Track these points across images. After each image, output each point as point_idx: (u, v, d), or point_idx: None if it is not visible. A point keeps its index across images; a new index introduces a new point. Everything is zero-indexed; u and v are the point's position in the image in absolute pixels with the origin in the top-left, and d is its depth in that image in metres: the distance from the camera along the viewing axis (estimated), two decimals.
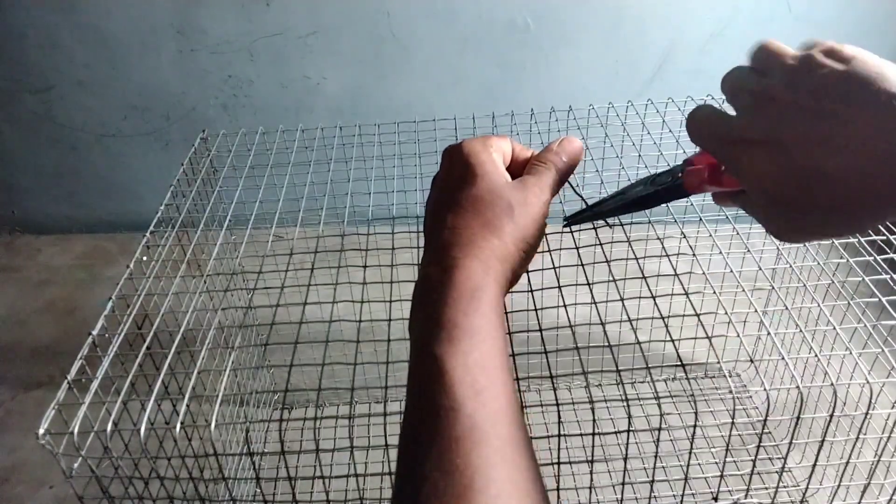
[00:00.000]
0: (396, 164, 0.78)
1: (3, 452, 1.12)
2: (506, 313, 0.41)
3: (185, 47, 1.53)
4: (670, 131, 0.81)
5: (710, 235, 0.62)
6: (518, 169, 0.42)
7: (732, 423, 0.53)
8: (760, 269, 0.62)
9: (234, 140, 0.86)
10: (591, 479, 0.53)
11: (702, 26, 1.53)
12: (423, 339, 0.32)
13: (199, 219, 0.73)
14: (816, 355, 0.54)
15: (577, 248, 0.56)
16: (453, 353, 0.30)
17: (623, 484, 0.54)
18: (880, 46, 1.58)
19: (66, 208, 1.76)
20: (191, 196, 0.77)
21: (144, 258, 0.65)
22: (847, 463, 0.58)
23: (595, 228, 0.49)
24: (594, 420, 0.46)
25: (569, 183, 0.44)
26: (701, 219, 0.65)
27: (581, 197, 0.53)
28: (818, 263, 0.63)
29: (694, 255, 0.59)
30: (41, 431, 0.46)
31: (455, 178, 0.39)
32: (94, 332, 0.56)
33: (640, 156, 0.76)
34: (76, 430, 0.47)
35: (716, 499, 0.55)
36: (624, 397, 0.47)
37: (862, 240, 0.68)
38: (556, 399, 0.47)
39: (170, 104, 1.61)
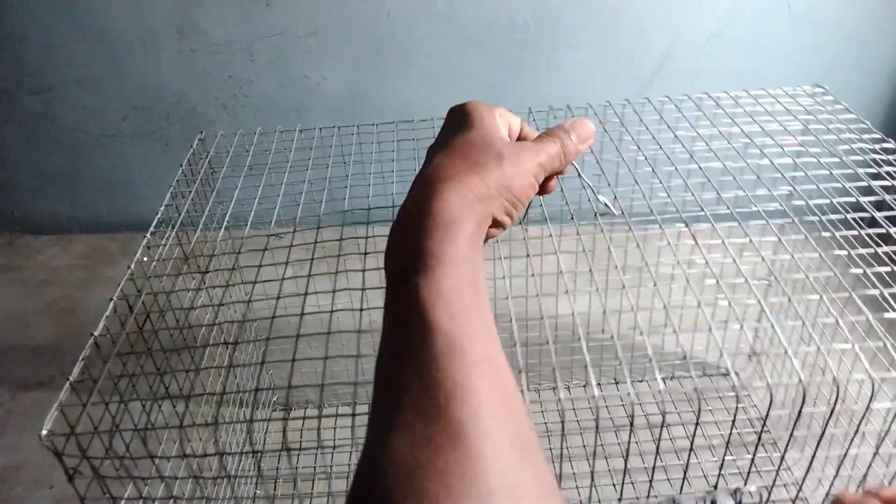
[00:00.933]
0: (395, 158, 0.78)
1: (3, 452, 1.12)
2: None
3: (185, 47, 1.53)
4: (668, 127, 0.81)
5: (715, 228, 0.62)
6: None
7: (733, 421, 0.53)
8: (764, 259, 0.62)
9: (232, 140, 0.86)
10: (592, 479, 0.53)
11: (702, 26, 1.54)
12: (398, 268, 0.32)
13: (198, 219, 0.73)
14: (819, 348, 0.54)
15: (579, 236, 0.56)
16: (428, 279, 0.30)
17: (623, 483, 0.54)
18: (880, 46, 1.58)
19: (66, 208, 1.76)
20: (190, 197, 0.77)
21: (145, 258, 0.65)
22: (845, 455, 0.58)
23: (598, 222, 0.49)
24: (597, 419, 0.46)
25: (575, 167, 0.44)
26: (708, 218, 0.65)
27: (586, 183, 0.53)
28: (819, 255, 0.63)
29: (695, 241, 0.59)
30: (44, 432, 0.46)
31: (450, 128, 0.39)
32: (96, 333, 0.56)
33: (638, 148, 0.76)
34: (78, 431, 0.47)
35: (715, 486, 0.55)
36: (629, 394, 0.47)
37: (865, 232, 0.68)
38: (559, 397, 0.47)
39: (170, 104, 1.61)
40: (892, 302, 0.60)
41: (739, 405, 1.01)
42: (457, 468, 0.24)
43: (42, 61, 1.55)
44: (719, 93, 0.87)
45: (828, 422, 0.52)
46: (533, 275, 0.56)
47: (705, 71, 1.56)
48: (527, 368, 0.82)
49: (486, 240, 0.37)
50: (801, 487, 0.61)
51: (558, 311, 0.54)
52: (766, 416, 0.50)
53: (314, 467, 0.92)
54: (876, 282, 0.60)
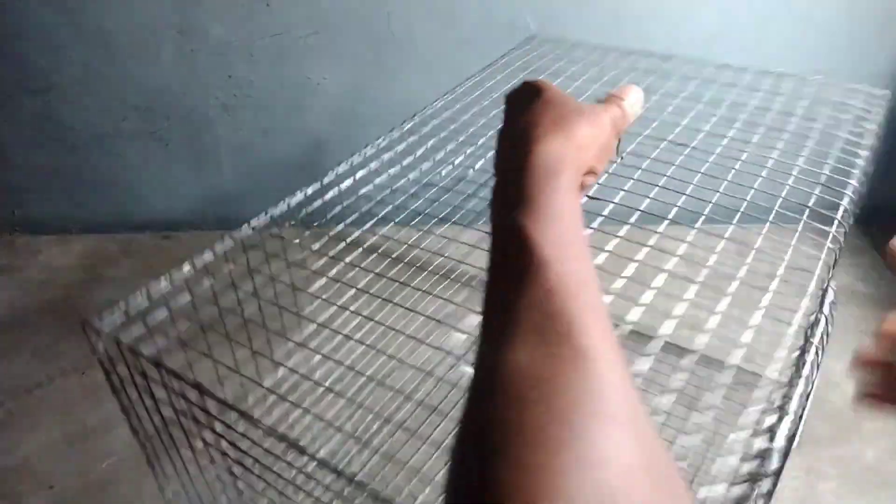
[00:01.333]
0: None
1: (3, 452, 1.12)
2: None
3: (185, 47, 1.53)
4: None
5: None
6: None
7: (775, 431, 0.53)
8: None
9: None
10: None
11: (702, 26, 1.54)
12: (504, 212, 0.32)
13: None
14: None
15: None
16: (535, 224, 0.30)
17: None
18: (880, 46, 1.58)
19: (66, 208, 1.76)
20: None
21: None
22: None
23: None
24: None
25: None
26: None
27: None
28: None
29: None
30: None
31: (519, 102, 0.40)
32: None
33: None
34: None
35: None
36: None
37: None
38: None
39: (170, 104, 1.61)
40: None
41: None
42: (583, 385, 0.23)
43: (42, 61, 1.55)
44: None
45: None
46: None
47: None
48: None
49: (581, 188, 0.38)
50: None
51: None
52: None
53: None
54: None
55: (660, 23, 1.52)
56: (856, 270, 1.64)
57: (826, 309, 0.57)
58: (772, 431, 0.45)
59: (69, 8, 1.47)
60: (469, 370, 0.27)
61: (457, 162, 0.75)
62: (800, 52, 1.59)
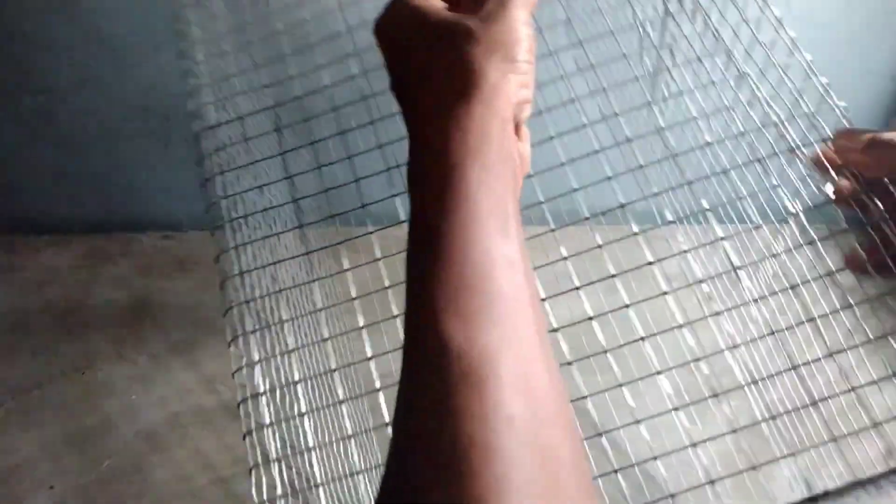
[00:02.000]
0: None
1: (3, 452, 1.12)
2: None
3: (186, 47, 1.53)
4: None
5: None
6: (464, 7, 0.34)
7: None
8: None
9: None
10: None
11: None
12: (410, 254, 0.29)
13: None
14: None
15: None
16: (432, 272, 0.27)
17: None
18: (880, 46, 1.58)
19: (66, 208, 1.76)
20: None
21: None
22: None
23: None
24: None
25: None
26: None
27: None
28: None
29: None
30: None
31: (398, 48, 0.33)
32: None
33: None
34: None
35: None
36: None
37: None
38: None
39: (170, 104, 1.61)
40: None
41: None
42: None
43: (42, 61, 1.55)
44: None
45: None
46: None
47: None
48: None
49: (517, 131, 0.33)
50: None
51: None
52: None
53: None
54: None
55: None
56: None
57: None
58: None
59: (69, 8, 1.47)
60: None
61: None
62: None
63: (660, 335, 0.53)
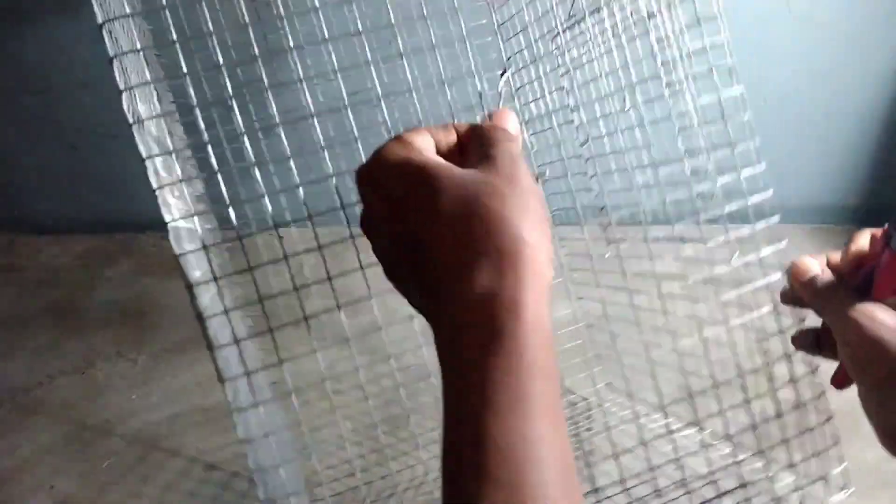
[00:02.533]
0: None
1: (3, 452, 1.12)
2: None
3: None
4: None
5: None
6: (455, 159, 0.32)
7: None
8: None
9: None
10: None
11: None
12: (450, 462, 0.26)
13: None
14: None
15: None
16: (483, 494, 0.24)
17: None
18: (880, 46, 1.58)
19: (66, 208, 1.76)
20: None
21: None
22: None
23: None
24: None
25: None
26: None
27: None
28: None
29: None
30: None
31: (404, 196, 0.30)
32: None
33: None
34: None
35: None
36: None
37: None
38: None
39: None
40: None
41: None
42: None
43: (42, 61, 1.54)
44: None
45: None
46: None
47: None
48: None
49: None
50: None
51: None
52: None
53: None
54: None
55: None
56: None
57: None
58: None
59: (69, 8, 1.47)
60: None
61: None
62: (800, 52, 1.59)
63: None
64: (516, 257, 0.27)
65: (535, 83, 0.80)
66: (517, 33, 0.83)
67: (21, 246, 1.74)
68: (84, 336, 1.39)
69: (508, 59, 0.85)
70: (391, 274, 0.32)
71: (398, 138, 0.31)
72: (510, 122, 0.35)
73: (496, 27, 0.90)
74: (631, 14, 0.64)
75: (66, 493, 1.04)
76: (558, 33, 0.74)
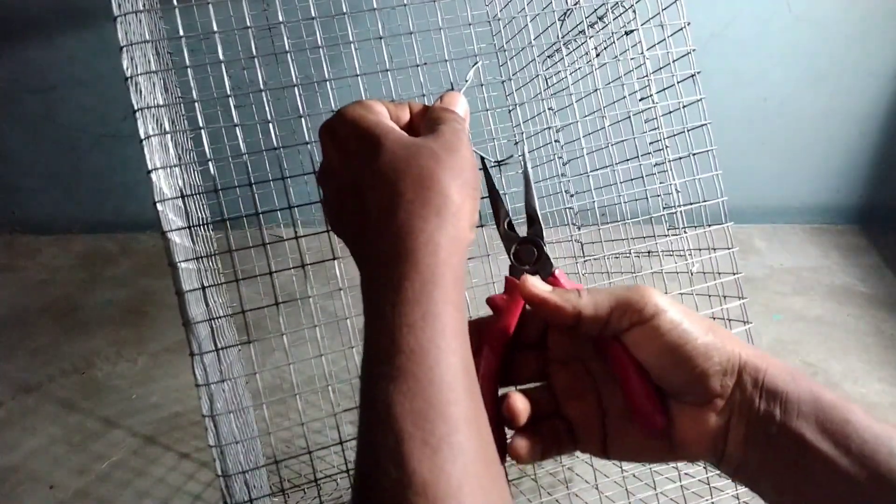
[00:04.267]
0: None
1: (3, 452, 1.12)
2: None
3: None
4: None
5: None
6: (405, 132, 0.36)
7: None
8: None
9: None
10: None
11: (702, 26, 1.53)
12: (366, 369, 0.28)
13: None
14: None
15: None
16: (399, 392, 0.26)
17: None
18: (880, 46, 1.58)
19: (66, 208, 1.76)
20: None
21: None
22: None
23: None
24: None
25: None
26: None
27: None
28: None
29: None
30: None
31: (351, 150, 0.34)
32: None
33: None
34: None
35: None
36: None
37: None
38: None
39: None
40: None
41: None
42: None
43: (42, 61, 1.55)
44: None
45: None
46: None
47: (705, 71, 1.56)
48: None
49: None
50: None
51: None
52: None
53: None
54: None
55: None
56: (856, 270, 1.64)
57: None
58: None
59: (69, 7, 1.47)
60: None
61: None
62: (800, 52, 1.59)
63: None
64: (439, 209, 0.31)
65: (526, 105, 0.83)
66: (515, 54, 0.84)
67: (21, 246, 1.74)
68: (84, 336, 1.39)
69: (501, 48, 0.85)
70: (334, 219, 0.36)
71: (359, 102, 0.36)
72: (459, 105, 0.39)
73: (493, 38, 0.90)
74: (612, 34, 0.66)
75: (66, 493, 1.04)
76: (551, 55, 0.76)
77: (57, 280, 1.59)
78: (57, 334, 1.40)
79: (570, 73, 0.69)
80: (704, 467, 0.67)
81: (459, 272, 0.31)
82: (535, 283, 0.36)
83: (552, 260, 0.38)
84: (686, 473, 0.68)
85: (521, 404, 0.34)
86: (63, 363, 1.31)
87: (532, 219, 0.39)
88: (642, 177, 0.66)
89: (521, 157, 0.49)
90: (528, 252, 0.38)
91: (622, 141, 0.66)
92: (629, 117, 0.66)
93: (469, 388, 0.28)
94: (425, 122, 0.37)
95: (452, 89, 0.41)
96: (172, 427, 1.15)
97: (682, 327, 0.32)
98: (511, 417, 0.34)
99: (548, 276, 0.38)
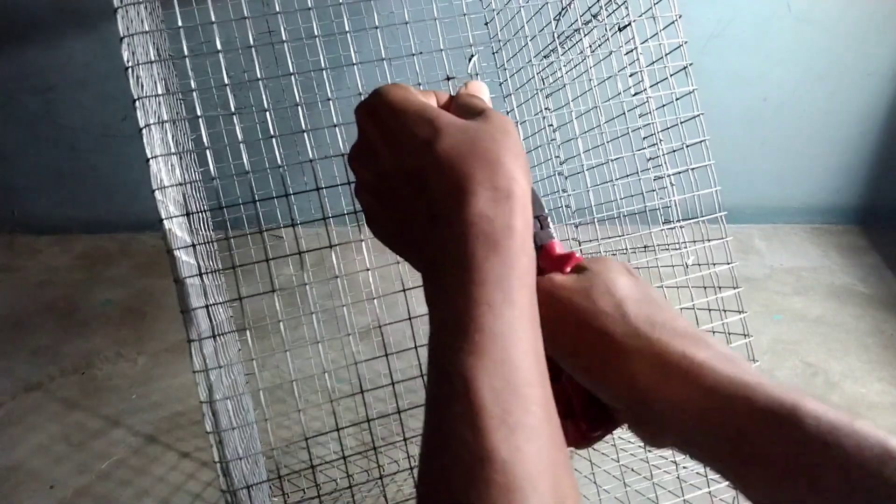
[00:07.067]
0: None
1: (3, 452, 1.12)
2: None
3: None
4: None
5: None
6: None
7: None
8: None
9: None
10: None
11: (702, 26, 1.54)
12: (441, 343, 0.28)
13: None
14: None
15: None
16: (479, 367, 0.26)
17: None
18: (880, 46, 1.58)
19: (66, 208, 1.76)
20: None
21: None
22: None
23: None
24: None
25: None
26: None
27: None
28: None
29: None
30: None
31: (403, 138, 0.32)
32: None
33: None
34: None
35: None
36: None
37: None
38: None
39: None
40: None
41: None
42: None
43: (42, 61, 1.55)
44: None
45: None
46: None
47: (705, 71, 1.56)
48: None
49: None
50: None
51: None
52: None
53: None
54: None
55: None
56: (856, 270, 1.64)
57: None
58: None
59: (70, 8, 1.47)
60: None
61: None
62: (800, 52, 1.59)
63: None
64: (509, 192, 0.30)
65: (524, 106, 0.84)
66: (512, 56, 0.85)
67: (21, 246, 1.74)
68: (84, 336, 1.39)
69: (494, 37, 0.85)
70: (376, 204, 0.35)
71: (395, 84, 0.35)
72: (484, 93, 0.38)
73: (486, 27, 0.90)
74: (607, 30, 0.66)
75: (67, 491, 1.04)
76: (546, 55, 0.76)
77: (57, 280, 1.59)
78: (57, 334, 1.40)
79: (567, 72, 0.69)
80: None
81: (532, 257, 0.31)
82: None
83: (550, 231, 0.38)
84: (684, 467, 0.68)
85: None
86: (63, 363, 1.31)
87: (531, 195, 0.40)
88: (637, 172, 0.66)
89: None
90: None
91: (618, 138, 0.66)
92: (624, 113, 0.66)
93: (541, 373, 0.28)
94: (456, 109, 0.36)
95: (449, 80, 0.42)
96: (173, 426, 1.15)
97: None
98: None
99: (542, 244, 0.38)
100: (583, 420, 0.34)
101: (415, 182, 0.32)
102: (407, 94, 0.34)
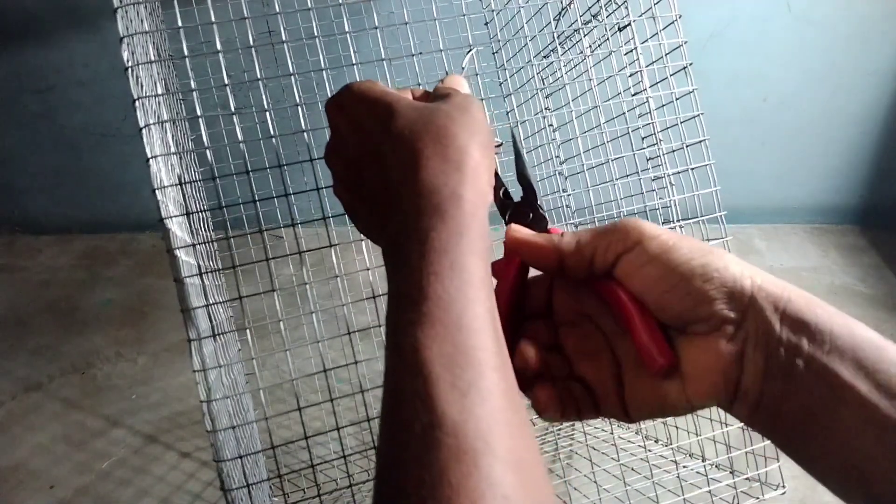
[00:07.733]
0: None
1: (3, 452, 1.12)
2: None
3: None
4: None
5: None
6: None
7: None
8: None
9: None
10: None
11: (702, 26, 1.54)
12: (393, 317, 0.28)
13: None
14: None
15: None
16: (428, 336, 0.26)
17: None
18: (880, 46, 1.58)
19: (66, 208, 1.77)
20: None
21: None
22: None
23: None
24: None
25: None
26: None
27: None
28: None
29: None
30: None
31: (364, 122, 0.34)
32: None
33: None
34: None
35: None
36: None
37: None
38: None
39: None
40: None
41: None
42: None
43: (42, 61, 1.55)
44: None
45: None
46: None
47: (705, 71, 1.56)
48: None
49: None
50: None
51: None
52: None
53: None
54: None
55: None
56: (856, 270, 1.64)
57: None
58: None
59: (69, 8, 1.48)
60: None
61: None
62: (800, 52, 1.59)
63: None
64: (460, 164, 0.31)
65: (524, 106, 0.84)
66: (512, 56, 0.85)
67: (21, 246, 1.74)
68: (84, 336, 1.39)
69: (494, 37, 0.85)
70: (348, 194, 0.36)
71: (363, 81, 0.36)
72: (461, 86, 0.39)
73: (486, 27, 0.90)
74: (606, 30, 0.66)
75: (67, 491, 1.04)
76: (546, 55, 0.76)
77: (57, 280, 1.59)
78: (57, 334, 1.40)
79: (567, 72, 0.69)
80: (702, 456, 0.68)
81: (484, 226, 0.31)
82: (517, 229, 0.36)
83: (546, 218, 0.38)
84: (684, 466, 0.68)
85: (530, 352, 0.34)
86: (63, 363, 1.31)
87: (526, 185, 0.40)
88: (637, 172, 0.66)
89: (511, 129, 0.49)
90: (522, 214, 0.39)
91: (618, 138, 0.66)
92: (624, 113, 0.67)
93: (495, 336, 0.28)
94: (427, 97, 0.37)
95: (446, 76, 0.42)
96: (173, 426, 1.15)
97: (672, 250, 0.31)
98: (523, 365, 0.34)
99: (541, 231, 0.38)
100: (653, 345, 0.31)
101: (376, 163, 0.33)
102: (371, 85, 0.35)
